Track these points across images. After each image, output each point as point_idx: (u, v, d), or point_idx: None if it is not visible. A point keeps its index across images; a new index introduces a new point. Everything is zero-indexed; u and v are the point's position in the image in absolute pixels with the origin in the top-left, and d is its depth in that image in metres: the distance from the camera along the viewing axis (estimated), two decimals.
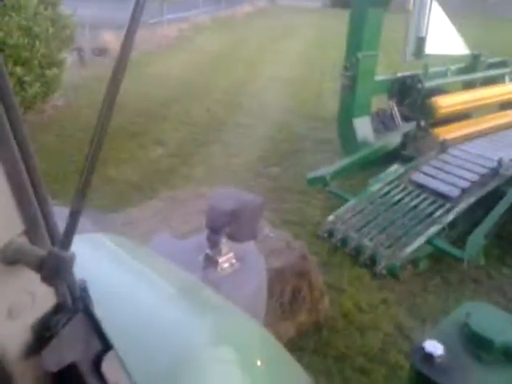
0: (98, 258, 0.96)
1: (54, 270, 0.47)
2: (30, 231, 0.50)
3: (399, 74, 5.02)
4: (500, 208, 3.50)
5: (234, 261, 1.29)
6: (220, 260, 1.27)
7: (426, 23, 4.84)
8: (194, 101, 6.96)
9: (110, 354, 0.57)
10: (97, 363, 0.56)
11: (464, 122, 5.03)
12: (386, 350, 2.75)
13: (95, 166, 0.53)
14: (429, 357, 1.47)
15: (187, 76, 8.18)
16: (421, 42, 4.85)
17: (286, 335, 2.68)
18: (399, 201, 3.66)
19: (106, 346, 0.58)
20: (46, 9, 5.21)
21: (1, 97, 0.44)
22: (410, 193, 3.74)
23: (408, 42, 4.87)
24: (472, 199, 3.59)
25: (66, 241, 0.51)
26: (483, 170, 3.85)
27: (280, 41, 11.73)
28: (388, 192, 3.77)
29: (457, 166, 3.95)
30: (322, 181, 3.90)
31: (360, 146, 4.52)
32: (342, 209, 3.58)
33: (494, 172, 3.83)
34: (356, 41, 4.45)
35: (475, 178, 3.77)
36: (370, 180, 3.92)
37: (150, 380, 0.67)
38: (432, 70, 5.11)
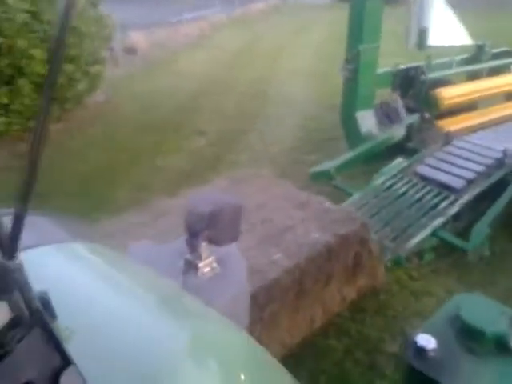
0: (73, 268, 0.92)
1: (2, 282, 0.44)
2: None
3: (402, 66, 4.84)
4: (504, 198, 3.43)
5: (214, 265, 1.26)
6: (200, 264, 1.23)
7: (428, 14, 4.67)
8: (223, 95, 7.17)
9: (69, 370, 0.53)
10: (55, 380, 0.52)
11: (469, 114, 4.89)
12: None
13: (38, 169, 0.49)
14: (421, 350, 1.45)
15: (212, 72, 8.41)
16: (423, 32, 4.68)
17: (349, 297, 2.91)
18: (404, 194, 3.54)
19: (65, 361, 0.54)
20: (90, 9, 5.50)
21: None
22: (414, 185, 3.62)
23: (410, 32, 4.71)
24: (477, 190, 3.49)
25: (12, 249, 0.47)
26: (488, 161, 3.73)
27: (296, 36, 11.90)
28: (392, 185, 3.65)
29: (461, 158, 3.81)
30: (326, 175, 3.78)
31: (364, 139, 4.36)
32: (347, 203, 3.48)
33: (500, 162, 3.72)
34: (356, 33, 4.29)
35: (480, 168, 3.65)
36: (375, 174, 3.78)
37: None
38: (436, 61, 4.94)
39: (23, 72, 4.73)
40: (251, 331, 2.30)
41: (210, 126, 5.86)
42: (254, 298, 2.23)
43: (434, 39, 4.74)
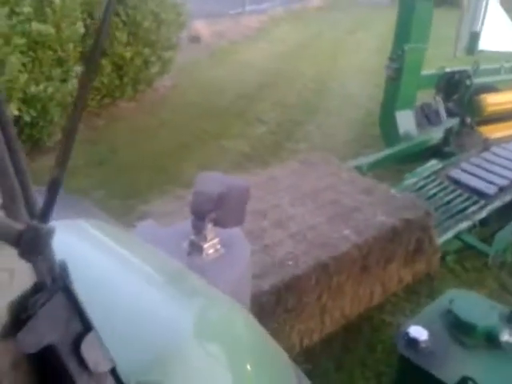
0: (80, 244, 0.90)
1: (33, 243, 0.44)
2: (7, 205, 0.48)
3: (448, 69, 4.72)
4: None
5: (218, 246, 1.24)
6: (205, 246, 1.21)
7: (481, 17, 4.56)
8: (284, 86, 7.33)
9: (91, 336, 0.54)
10: (76, 345, 0.53)
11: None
12: None
13: (75, 137, 0.50)
14: (413, 342, 1.45)
15: (273, 64, 8.58)
16: (475, 37, 4.58)
17: (406, 279, 2.97)
18: (433, 195, 3.52)
19: (86, 327, 0.54)
20: None
21: None
22: (445, 188, 3.59)
23: (461, 36, 4.59)
24: (508, 198, 3.45)
25: (45, 213, 0.48)
26: None
27: (353, 33, 11.89)
28: (423, 186, 3.63)
29: (497, 165, 3.73)
30: (358, 170, 3.73)
31: (401, 139, 4.30)
32: None
33: None
34: (404, 32, 4.17)
35: None
36: (407, 174, 3.77)
37: (133, 368, 0.63)
38: (484, 66, 4.78)
39: (106, 53, 5.09)
40: (319, 297, 2.53)
41: (271, 115, 6.05)
42: (324, 266, 2.43)
43: (485, 44, 4.67)
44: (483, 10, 4.54)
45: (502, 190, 3.52)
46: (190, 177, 4.31)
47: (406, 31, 4.18)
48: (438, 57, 5.52)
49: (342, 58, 9.32)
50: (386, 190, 3.23)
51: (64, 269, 0.54)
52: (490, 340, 1.43)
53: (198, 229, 1.22)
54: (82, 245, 0.91)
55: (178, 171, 4.39)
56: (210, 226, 1.21)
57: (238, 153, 4.95)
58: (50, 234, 0.46)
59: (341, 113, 6.26)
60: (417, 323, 1.47)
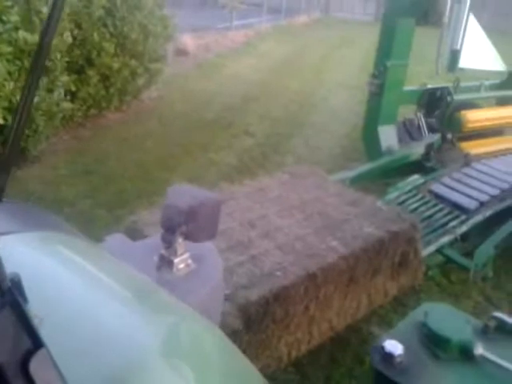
0: (41, 257, 0.87)
1: None
2: None
3: (429, 86, 4.80)
4: None
5: (189, 261, 1.21)
6: (175, 261, 1.19)
7: (461, 36, 4.60)
8: (270, 99, 7.40)
9: (40, 354, 0.51)
10: (24, 364, 0.50)
11: (493, 139, 4.79)
12: (477, 314, 3.15)
13: (19, 143, 0.46)
14: (388, 356, 1.43)
15: (259, 77, 8.65)
16: (455, 55, 4.62)
17: (391, 292, 3.04)
18: (415, 209, 3.53)
19: (36, 344, 0.52)
20: (157, 10, 5.84)
21: None
22: (426, 203, 3.60)
23: (441, 54, 4.59)
24: (488, 212, 3.46)
25: None
26: (504, 185, 3.68)
27: (338, 49, 12.09)
28: (405, 201, 3.63)
29: (477, 180, 3.76)
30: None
31: (383, 153, 4.34)
32: None
33: None
34: (386, 49, 4.26)
35: (495, 192, 3.60)
36: (389, 188, 3.78)
37: None
38: (465, 84, 4.90)
39: (93, 63, 5.07)
40: (307, 308, 2.52)
41: (258, 128, 6.09)
42: (312, 277, 2.43)
43: (465, 62, 4.68)
44: (463, 28, 4.61)
45: (482, 204, 3.54)
46: None
47: (388, 48, 4.25)
48: (423, 74, 5.61)
49: (327, 73, 9.45)
50: (372, 202, 3.25)
51: (16, 282, 0.51)
52: (465, 353, 1.42)
53: (168, 243, 1.19)
54: (43, 258, 0.87)
55: (166, 182, 4.36)
56: (180, 240, 1.18)
57: (225, 165, 4.95)
58: None
59: (326, 127, 6.33)
60: (392, 337, 1.44)
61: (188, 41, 9.26)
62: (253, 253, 2.56)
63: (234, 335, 2.18)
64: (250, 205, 3.00)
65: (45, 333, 0.52)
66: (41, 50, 0.50)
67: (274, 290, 2.23)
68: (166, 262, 1.20)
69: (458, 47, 4.62)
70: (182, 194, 1.21)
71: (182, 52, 8.86)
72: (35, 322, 0.51)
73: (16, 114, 0.49)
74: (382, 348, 1.43)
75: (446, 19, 4.54)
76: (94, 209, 3.86)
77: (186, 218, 1.15)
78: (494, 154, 4.36)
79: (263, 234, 2.72)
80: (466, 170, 3.96)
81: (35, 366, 0.50)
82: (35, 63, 0.52)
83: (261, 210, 2.94)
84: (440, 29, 4.58)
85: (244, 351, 2.46)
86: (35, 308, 0.52)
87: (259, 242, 2.64)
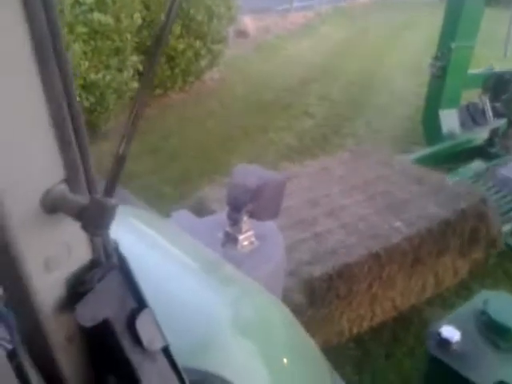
0: (120, 231, 0.83)
1: (97, 217, 0.44)
2: (71, 179, 0.47)
3: (497, 69, 4.62)
4: None
5: (253, 239, 1.23)
6: (240, 237, 1.21)
7: None
8: (329, 81, 7.30)
9: (145, 313, 0.54)
10: (131, 321, 0.53)
11: None
12: None
13: (143, 111, 0.49)
14: (445, 342, 1.41)
15: (319, 59, 8.55)
16: None
17: (462, 271, 2.90)
18: None
19: (141, 304, 0.55)
20: None
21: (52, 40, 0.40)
22: (489, 189, 3.52)
23: (511, 37, 4.58)
24: None
25: (110, 189, 0.48)
26: None
27: (400, 31, 11.72)
28: None
29: None
30: None
31: (444, 138, 4.21)
32: None
33: None
34: (451, 30, 4.06)
35: None
36: (450, 173, 3.67)
37: (175, 352, 0.62)
38: None
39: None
40: (370, 286, 2.53)
41: (318, 110, 6.05)
42: (376, 256, 2.44)
43: None
44: None
45: None
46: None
47: (454, 29, 4.06)
48: (491, 58, 5.36)
49: (389, 56, 9.19)
50: (439, 179, 3.17)
51: (117, 247, 0.54)
52: None
53: (234, 220, 1.22)
54: (122, 231, 0.87)
55: (226, 162, 4.46)
56: (245, 218, 1.21)
57: (285, 145, 4.98)
58: (114, 209, 0.45)
59: (388, 109, 6.20)
60: (449, 323, 1.42)
61: (248, 22, 9.27)
62: (316, 230, 2.60)
63: (297, 309, 2.25)
64: (313, 184, 3.03)
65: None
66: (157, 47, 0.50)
67: (337, 266, 2.27)
68: (231, 239, 1.24)
69: None
70: (248, 173, 1.23)
71: (242, 34, 8.89)
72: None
73: (140, 86, 0.49)
74: (439, 334, 1.40)
75: None
76: (161, 184, 4.02)
77: (251, 197, 1.17)
78: None
79: (327, 212, 2.75)
80: None
81: (141, 324, 0.53)
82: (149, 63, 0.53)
83: (324, 190, 2.96)
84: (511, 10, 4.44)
85: (306, 325, 2.54)
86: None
87: (322, 221, 2.68)
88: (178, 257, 0.93)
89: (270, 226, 1.31)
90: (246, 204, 1.18)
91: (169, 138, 4.95)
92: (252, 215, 1.21)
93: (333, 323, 2.35)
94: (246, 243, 1.23)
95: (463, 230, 2.74)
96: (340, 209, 2.78)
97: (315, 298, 2.21)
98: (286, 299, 2.25)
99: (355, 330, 2.52)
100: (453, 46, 4.05)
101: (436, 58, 4.21)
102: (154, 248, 0.93)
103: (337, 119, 5.77)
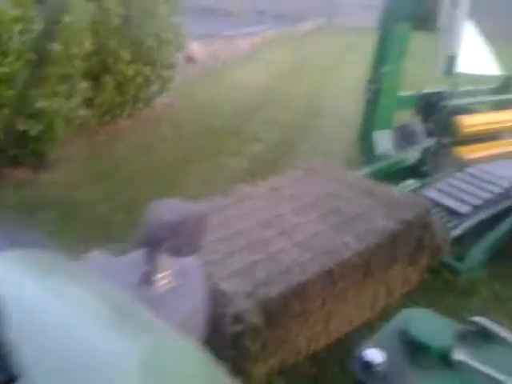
0: (23, 276, 0.85)
1: None
2: None
3: (425, 91, 4.86)
4: (505, 224, 3.41)
5: (172, 278, 1.19)
6: (157, 277, 1.17)
7: (457, 41, 4.62)
8: (277, 105, 7.51)
9: None
10: None
11: (489, 143, 4.76)
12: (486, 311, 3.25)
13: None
14: (369, 365, 1.40)
15: (266, 84, 8.72)
16: (452, 59, 4.63)
17: (412, 278, 2.99)
18: None
19: (10, 377, 0.49)
20: (170, 17, 5.99)
21: None
22: None
23: (438, 59, 4.63)
24: (482, 216, 3.50)
25: None
26: (498, 189, 3.69)
27: (343, 55, 12.26)
28: None
29: (471, 185, 3.77)
30: None
31: (378, 158, 4.38)
32: None
33: (508, 192, 3.69)
34: (381, 55, 4.32)
35: (488, 196, 3.61)
36: None
37: None
38: (462, 88, 4.91)
39: (109, 70, 5.20)
40: (324, 303, 2.61)
41: (267, 135, 6.20)
42: (329, 273, 2.42)
43: (462, 66, 4.69)
44: (460, 34, 4.65)
45: (475, 208, 3.57)
46: (194, 191, 4.45)
47: (383, 54, 4.32)
48: (427, 78, 5.68)
49: (333, 80, 9.58)
50: (387, 191, 3.21)
51: None
52: (444, 359, 1.39)
53: (151, 259, 1.16)
54: (21, 278, 0.84)
55: (182, 185, 4.50)
56: (163, 255, 1.16)
57: (237, 169, 5.07)
58: None
59: (334, 132, 6.44)
60: (372, 345, 1.42)
61: (196, 48, 9.40)
62: (270, 251, 2.65)
63: (254, 331, 2.29)
64: (266, 204, 3.08)
65: (24, 355, 0.50)
66: None
67: (292, 286, 2.29)
68: (148, 279, 1.17)
69: (455, 52, 4.65)
70: (166, 208, 1.18)
71: (190, 59, 8.99)
72: (11, 348, 0.48)
73: None
74: (363, 356, 1.39)
75: (442, 25, 4.64)
76: (113, 212, 3.98)
77: (169, 234, 1.12)
78: (490, 159, 4.37)
79: (280, 232, 2.80)
80: (461, 175, 3.97)
81: None
82: None
83: (276, 210, 3.02)
84: (437, 34, 4.68)
85: (264, 346, 2.58)
86: (11, 330, 0.51)
87: (276, 240, 2.73)
88: (85, 303, 0.86)
89: (191, 262, 1.27)
90: (164, 241, 1.13)
91: (120, 164, 4.92)
92: (171, 252, 1.16)
93: (289, 342, 2.39)
94: (163, 282, 1.18)
95: (410, 240, 2.83)
96: (293, 227, 2.82)
97: (272, 319, 2.24)
98: (244, 321, 2.29)
99: (312, 348, 2.57)
100: (383, 70, 4.29)
101: (370, 81, 4.43)
102: (59, 295, 0.86)
103: (285, 143, 5.95)
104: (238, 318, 2.22)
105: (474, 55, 4.98)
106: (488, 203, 3.57)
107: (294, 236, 2.78)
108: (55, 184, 4.30)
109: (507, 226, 3.43)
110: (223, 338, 2.32)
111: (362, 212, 2.91)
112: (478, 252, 3.26)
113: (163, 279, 1.18)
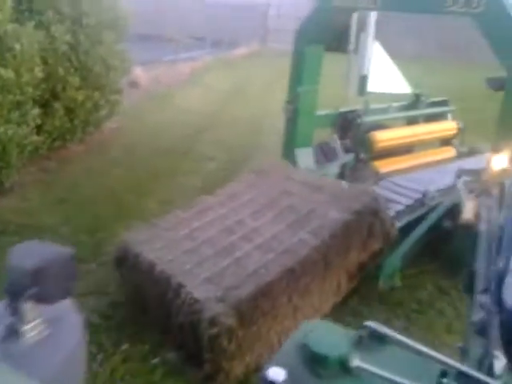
0: None
1: None
2: None
3: (342, 109, 5.02)
4: (418, 231, 3.55)
5: (42, 326, 1.09)
6: (24, 329, 1.06)
7: (368, 62, 4.94)
8: (221, 127, 7.75)
9: None
10: None
11: (403, 157, 5.06)
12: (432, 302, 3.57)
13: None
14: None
15: (208, 107, 8.96)
16: (363, 79, 4.97)
17: (364, 262, 3.15)
18: None
19: None
20: (116, 44, 6.08)
21: None
22: None
23: (351, 79, 4.97)
24: (397, 225, 3.54)
25: None
26: (409, 201, 3.85)
27: (278, 77, 12.79)
28: None
29: (385, 197, 3.76)
30: None
31: None
32: None
33: (420, 202, 3.85)
34: (297, 76, 4.48)
35: (400, 207, 3.76)
36: None
37: None
38: (375, 106, 5.11)
39: (58, 97, 5.22)
40: (290, 299, 2.77)
41: (218, 154, 6.42)
42: (291, 271, 2.57)
43: (373, 86, 5.06)
44: (369, 55, 4.96)
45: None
46: (153, 211, 4.55)
47: (299, 75, 4.45)
48: (343, 97, 6.03)
49: (271, 100, 9.96)
50: (336, 185, 3.42)
51: None
52: (343, 367, 1.35)
53: (15, 310, 1.04)
54: None
55: (139, 205, 4.59)
56: (28, 304, 1.04)
57: (193, 187, 5.21)
58: None
59: (275, 148, 6.74)
60: (275, 363, 1.34)
61: (139, 73, 9.52)
62: (236, 255, 2.82)
63: (229, 332, 2.45)
64: (227, 212, 3.25)
65: None
66: None
67: (260, 286, 2.47)
68: (13, 332, 1.06)
69: (366, 72, 4.98)
70: (28, 252, 1.08)
71: (134, 84, 9.10)
72: None
73: None
74: (266, 376, 1.30)
75: (351, 46, 4.99)
76: (75, 234, 4.01)
77: (33, 280, 1.02)
78: (404, 171, 4.61)
79: (242, 237, 2.97)
80: (376, 188, 4.06)
81: None
82: None
83: (236, 216, 3.19)
84: (348, 56, 5.02)
85: (239, 345, 2.76)
86: None
87: (240, 245, 2.90)
88: None
89: (64, 305, 1.13)
90: (26, 289, 1.01)
91: (75, 188, 4.95)
92: (37, 300, 1.04)
93: (262, 339, 2.52)
94: (32, 333, 1.05)
95: (362, 228, 2.99)
96: (253, 231, 2.97)
97: (244, 319, 2.38)
98: (219, 324, 2.46)
99: (283, 341, 2.73)
100: (299, 90, 4.46)
101: (288, 102, 4.60)
102: None
103: (234, 161, 6.17)
104: (213, 322, 2.40)
105: (384, 75, 5.27)
106: (400, 214, 3.71)
107: (255, 239, 2.95)
108: (14, 210, 4.28)
109: (419, 232, 3.57)
110: (201, 341, 2.46)
111: (314, 207, 3.08)
112: (392, 261, 3.43)
113: (32, 330, 1.05)
